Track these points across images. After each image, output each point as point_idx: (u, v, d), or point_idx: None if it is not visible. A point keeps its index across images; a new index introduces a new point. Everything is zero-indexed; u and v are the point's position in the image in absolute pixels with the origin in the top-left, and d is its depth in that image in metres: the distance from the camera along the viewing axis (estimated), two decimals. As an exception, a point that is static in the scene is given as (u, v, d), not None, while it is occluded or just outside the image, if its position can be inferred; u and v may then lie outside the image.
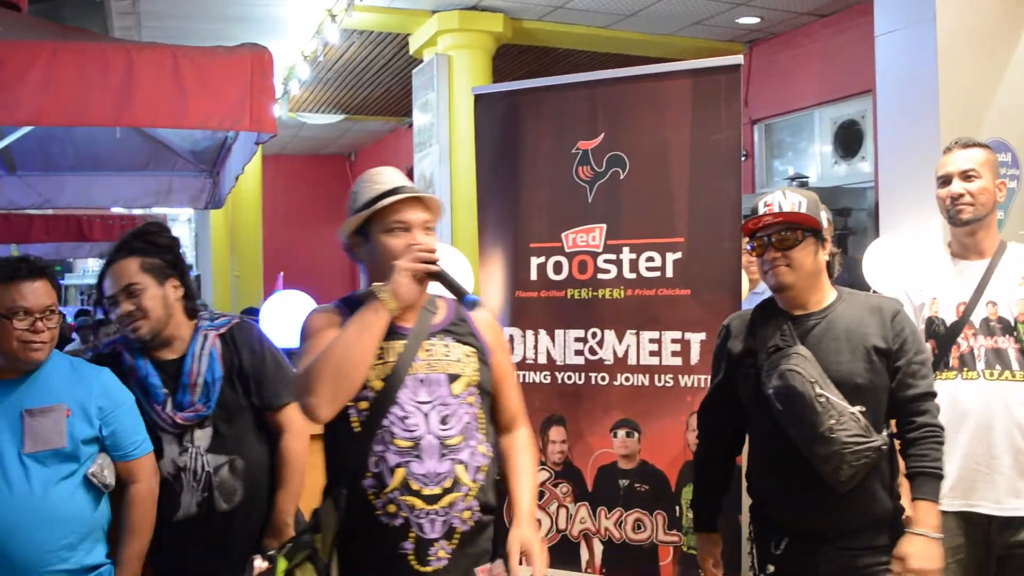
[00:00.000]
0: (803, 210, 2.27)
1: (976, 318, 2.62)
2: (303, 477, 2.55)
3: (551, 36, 8.31)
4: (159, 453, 2.41)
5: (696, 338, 3.04)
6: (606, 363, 3.16)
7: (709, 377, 2.59)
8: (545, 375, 3.23)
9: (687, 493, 3.03)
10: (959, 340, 2.62)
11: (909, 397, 2.28)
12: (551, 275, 3.25)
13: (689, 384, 3.06)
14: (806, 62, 8.05)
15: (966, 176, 2.64)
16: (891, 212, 4.51)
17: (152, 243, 2.51)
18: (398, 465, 2.03)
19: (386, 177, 2.16)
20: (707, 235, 3.05)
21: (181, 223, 15.95)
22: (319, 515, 2.07)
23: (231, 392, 2.49)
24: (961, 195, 2.63)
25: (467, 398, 2.12)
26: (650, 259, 3.11)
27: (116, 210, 8.10)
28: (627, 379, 3.14)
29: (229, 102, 4.03)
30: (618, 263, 3.16)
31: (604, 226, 3.18)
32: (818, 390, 2.19)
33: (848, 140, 7.82)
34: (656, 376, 3.10)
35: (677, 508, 3.07)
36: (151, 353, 2.47)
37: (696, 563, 2.73)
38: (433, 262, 2.07)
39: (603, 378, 3.17)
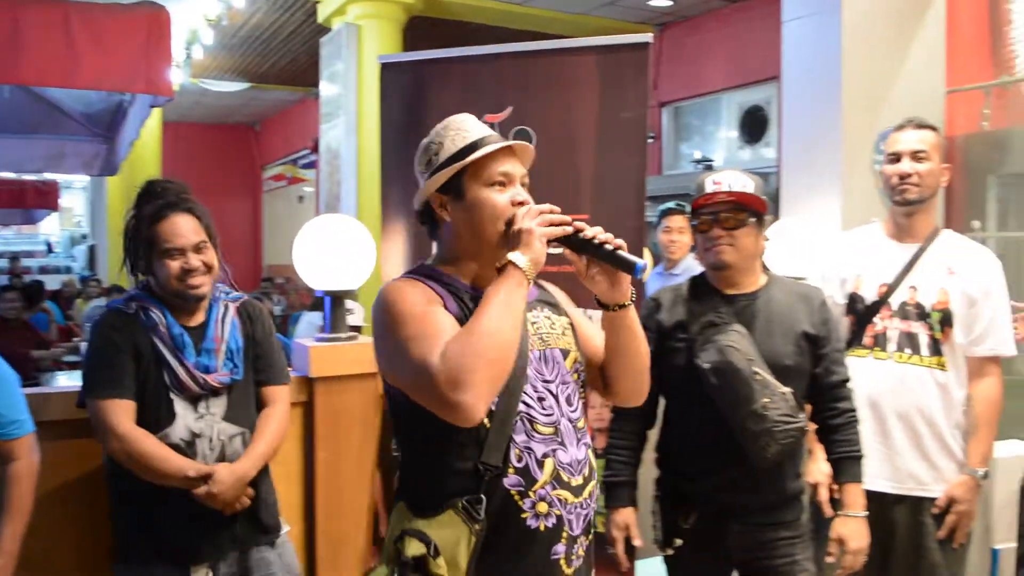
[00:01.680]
0: (751, 192, 2.28)
1: (895, 300, 2.67)
2: (271, 451, 2.45)
3: (464, 10, 8.23)
4: (170, 417, 2.28)
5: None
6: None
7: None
8: (446, 351, 3.17)
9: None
10: (875, 320, 2.67)
11: (833, 383, 2.35)
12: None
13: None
14: (715, 47, 8.15)
15: (917, 156, 2.66)
16: (792, 196, 4.58)
17: (198, 205, 2.41)
18: (546, 455, 1.75)
19: (471, 124, 1.85)
20: (612, 212, 3.03)
21: (75, 190, 15.38)
22: (426, 534, 1.70)
23: (247, 365, 2.43)
24: (910, 175, 2.65)
25: (574, 375, 1.88)
26: (557, 235, 3.08)
27: (3, 175, 7.75)
28: (530, 356, 3.09)
29: (123, 62, 3.88)
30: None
31: (512, 201, 3.13)
32: (754, 367, 2.22)
33: (754, 125, 7.95)
34: (559, 353, 3.07)
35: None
36: (176, 313, 2.37)
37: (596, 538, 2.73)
38: (567, 224, 1.76)
39: None
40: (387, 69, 3.36)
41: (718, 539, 2.33)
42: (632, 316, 1.88)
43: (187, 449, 2.29)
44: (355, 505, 3.11)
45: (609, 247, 1.76)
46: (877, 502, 2.61)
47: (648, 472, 2.51)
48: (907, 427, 2.64)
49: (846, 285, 2.75)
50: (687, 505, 2.36)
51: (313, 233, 3.11)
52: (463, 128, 1.83)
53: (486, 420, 1.70)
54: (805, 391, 2.35)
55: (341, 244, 3.08)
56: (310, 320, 5.64)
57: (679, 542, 2.36)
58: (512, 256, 1.68)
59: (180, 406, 2.30)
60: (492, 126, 3.16)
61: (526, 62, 3.22)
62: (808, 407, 2.39)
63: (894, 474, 2.65)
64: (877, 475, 2.62)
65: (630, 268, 1.76)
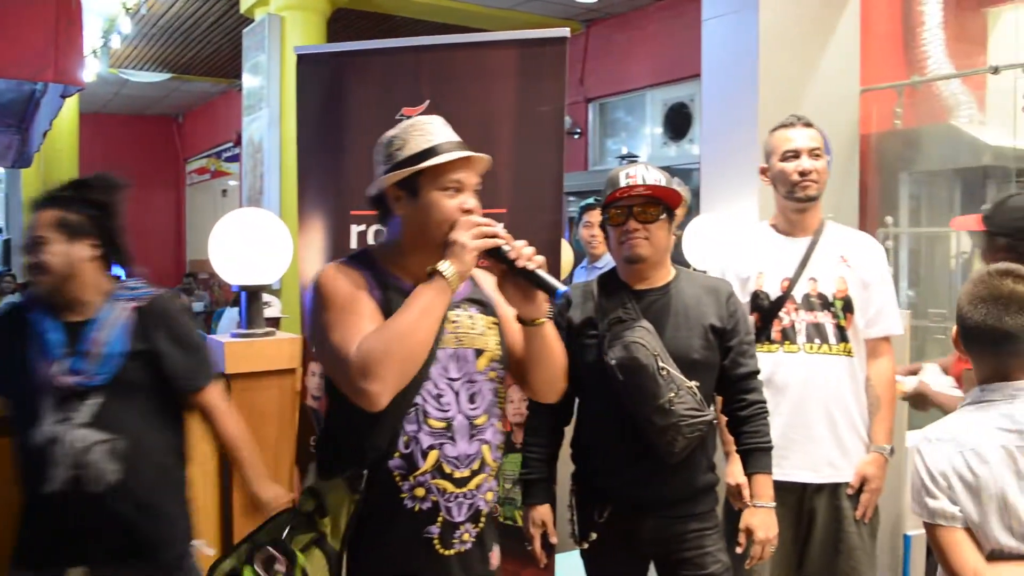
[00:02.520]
0: (665, 185, 2.31)
1: (798, 293, 2.70)
2: (253, 453, 2.44)
3: (389, 3, 8.17)
4: (35, 419, 2.21)
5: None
6: (427, 335, 3.10)
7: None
8: (364, 346, 3.14)
9: (504, 465, 3.02)
10: (781, 314, 2.71)
11: (740, 375, 2.37)
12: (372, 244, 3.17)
13: (509, 357, 3.04)
14: (641, 44, 8.22)
15: (813, 154, 2.71)
16: (711, 192, 4.65)
17: (82, 197, 2.33)
18: (431, 447, 1.89)
19: (437, 128, 1.96)
20: (529, 207, 3.03)
21: (-11, 182, 14.90)
22: (321, 496, 1.89)
23: (136, 369, 2.30)
24: (810, 171, 2.70)
25: (489, 373, 1.99)
26: (474, 230, 3.07)
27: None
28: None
29: (30, 50, 3.76)
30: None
31: (429, 196, 3.11)
32: (660, 363, 2.23)
33: (678, 122, 8.04)
34: (476, 348, 3.07)
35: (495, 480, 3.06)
36: (57, 312, 2.29)
37: (514, 533, 2.73)
38: (494, 237, 1.86)
39: None
40: (304, 61, 3.31)
41: (632, 532, 2.34)
42: (547, 331, 2.01)
43: (45, 453, 2.22)
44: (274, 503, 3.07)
45: (531, 267, 1.87)
46: (799, 493, 2.68)
47: (566, 467, 2.52)
48: (824, 416, 2.69)
49: (748, 284, 2.77)
50: (601, 499, 2.37)
51: (228, 227, 3.06)
52: (428, 131, 1.94)
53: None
54: (714, 384, 2.38)
55: (256, 238, 3.04)
56: (232, 316, 5.57)
57: (595, 536, 2.38)
58: (440, 266, 1.83)
59: (46, 407, 2.23)
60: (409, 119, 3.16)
61: (444, 55, 3.19)
62: (720, 400, 2.44)
63: (813, 464, 2.70)
64: (799, 466, 2.67)
65: (551, 292, 1.88)
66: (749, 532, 2.34)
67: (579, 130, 8.69)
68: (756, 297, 2.75)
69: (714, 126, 4.71)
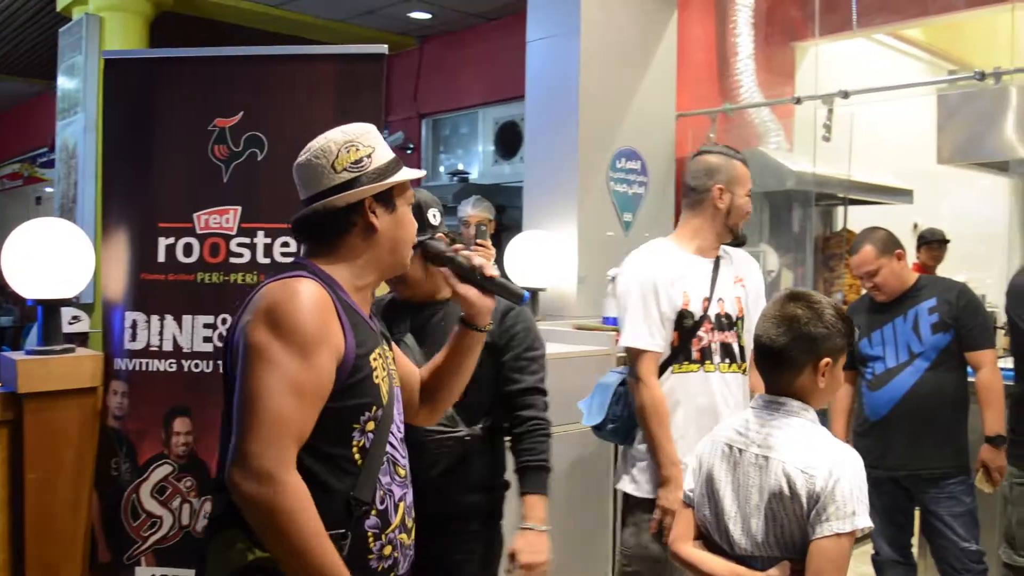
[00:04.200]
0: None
1: (712, 313, 2.77)
2: None
3: (217, 9, 7.92)
4: None
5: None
6: (238, 351, 3.02)
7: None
8: (171, 363, 3.01)
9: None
10: (700, 334, 2.76)
11: (514, 392, 2.38)
12: (180, 257, 3.06)
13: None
14: (473, 62, 8.29)
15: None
16: (534, 210, 4.74)
17: None
18: (400, 498, 1.74)
19: (379, 136, 1.81)
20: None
21: None
22: (278, 571, 1.56)
23: None
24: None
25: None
26: (285, 244, 3.02)
27: None
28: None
29: None
30: (252, 247, 3.03)
31: (239, 208, 3.04)
32: None
33: (508, 140, 8.15)
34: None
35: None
36: None
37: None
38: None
39: (172, 364, 3.01)
40: (112, 66, 3.18)
41: None
42: (482, 338, 1.94)
43: None
44: (69, 529, 2.92)
45: (495, 275, 1.85)
46: None
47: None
48: None
49: (674, 300, 2.75)
50: None
51: (23, 238, 2.90)
52: (380, 139, 1.80)
53: (358, 455, 1.66)
54: (488, 401, 2.37)
55: (54, 250, 2.89)
56: (38, 331, 5.25)
57: None
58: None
59: None
60: (223, 131, 3.08)
61: (261, 66, 3.14)
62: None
63: None
64: None
65: (516, 297, 1.88)
66: (513, 555, 2.28)
67: (412, 146, 8.68)
68: (682, 316, 2.75)
69: (537, 146, 4.82)
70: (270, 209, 3.05)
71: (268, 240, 3.03)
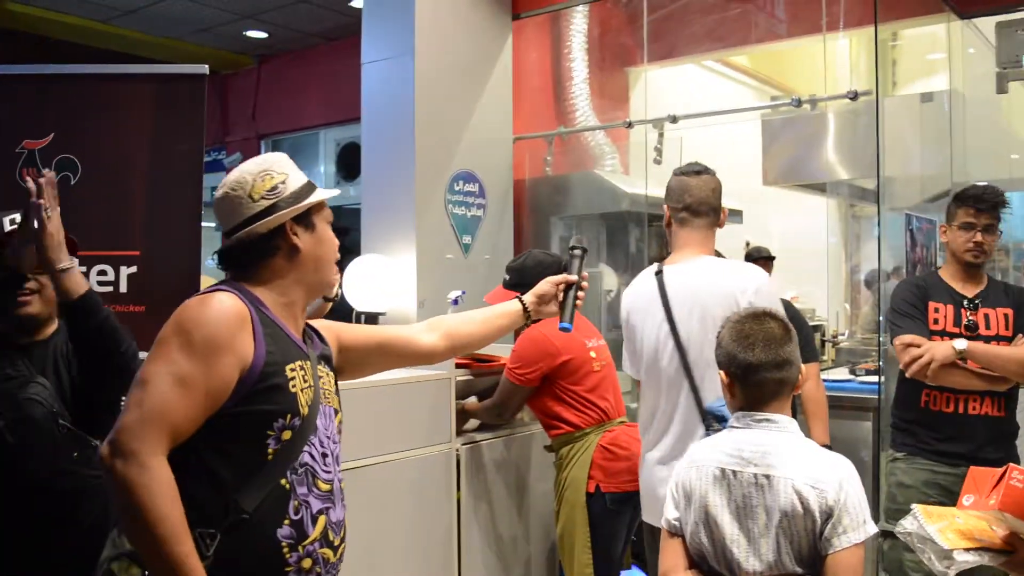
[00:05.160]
0: None
1: None
2: None
3: (40, 23, 7.52)
4: None
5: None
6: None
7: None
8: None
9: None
10: None
11: None
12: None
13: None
14: (313, 82, 8.17)
15: None
16: (373, 233, 4.69)
17: None
18: (320, 512, 1.78)
19: (289, 161, 1.92)
20: (165, 244, 2.92)
21: None
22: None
23: None
24: None
25: (338, 436, 1.93)
26: (102, 272, 2.90)
27: None
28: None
29: None
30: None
31: (51, 235, 2.89)
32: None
33: (350, 162, 8.06)
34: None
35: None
36: None
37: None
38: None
39: None
40: (-97, 83, 2.98)
41: None
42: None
43: None
44: None
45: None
46: None
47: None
48: None
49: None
50: None
51: None
52: (290, 164, 1.90)
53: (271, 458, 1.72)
54: None
55: None
56: None
57: None
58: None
59: None
60: (32, 152, 2.92)
61: (73, 86, 3.01)
62: None
63: None
64: None
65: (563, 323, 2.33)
66: None
67: (250, 167, 8.48)
68: None
69: (374, 169, 4.77)
70: (85, 236, 2.88)
71: (84, 268, 2.86)
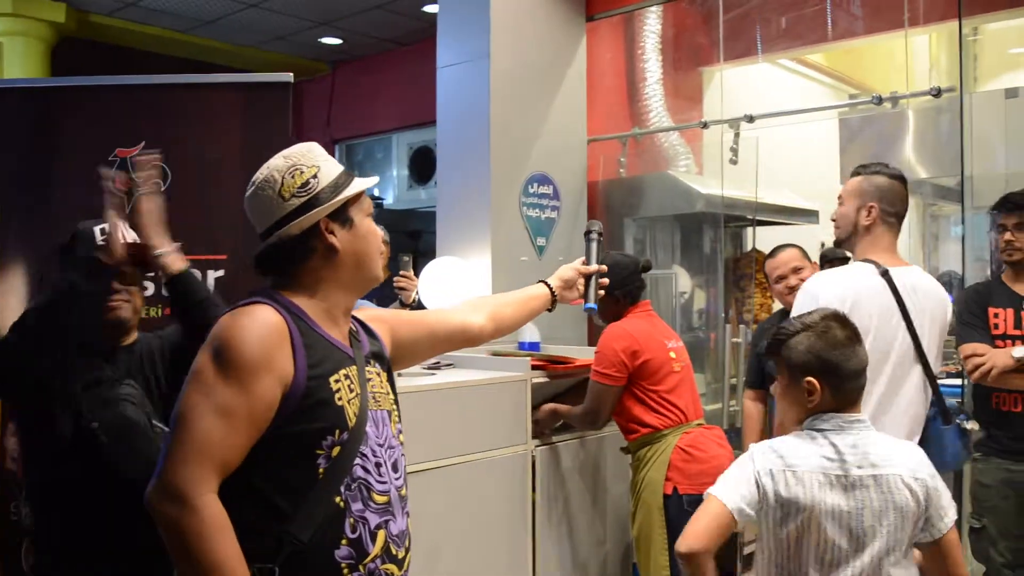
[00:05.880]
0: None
1: None
2: None
3: (122, 34, 7.76)
4: None
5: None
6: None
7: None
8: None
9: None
10: None
11: None
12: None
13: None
14: (387, 87, 8.28)
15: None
16: (448, 236, 4.74)
17: None
18: (379, 527, 1.67)
19: (323, 151, 1.81)
20: (251, 252, 2.96)
21: None
22: None
23: None
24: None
25: (400, 436, 1.82)
26: (191, 276, 2.97)
27: None
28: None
29: None
30: (157, 280, 2.97)
31: (142, 240, 2.98)
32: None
33: (422, 165, 8.15)
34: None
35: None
36: None
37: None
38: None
39: None
40: (4, 95, 3.10)
41: None
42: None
43: None
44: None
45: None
46: None
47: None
48: None
49: None
50: None
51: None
52: (327, 156, 1.79)
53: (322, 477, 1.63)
54: None
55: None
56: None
57: None
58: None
59: None
60: (125, 161, 3.01)
61: (163, 95, 3.10)
62: None
63: None
64: None
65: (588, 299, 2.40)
66: None
67: (327, 171, 8.62)
68: None
69: (449, 172, 4.82)
70: (175, 241, 2.98)
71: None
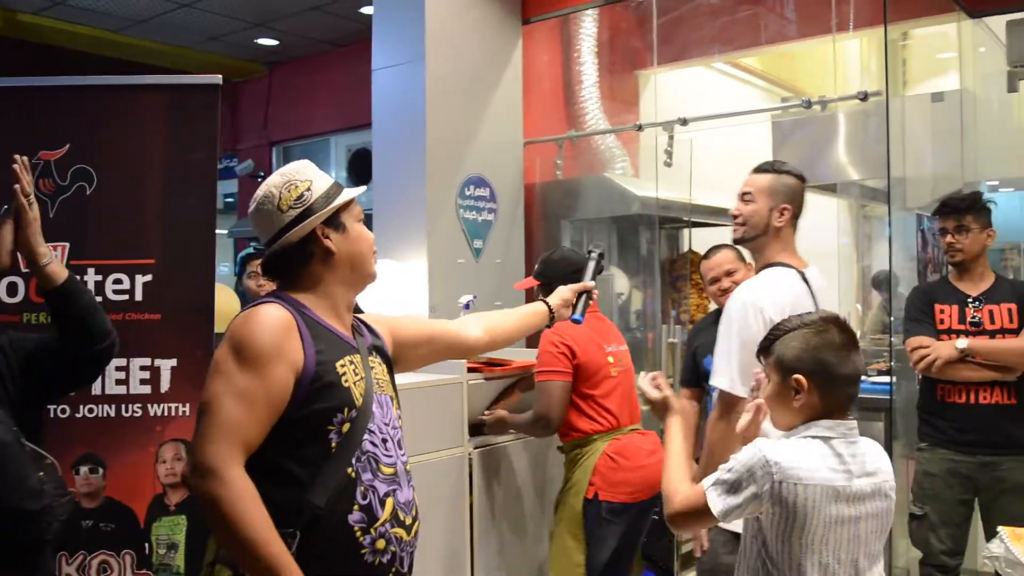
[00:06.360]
0: None
1: None
2: None
3: (52, 34, 7.61)
4: None
5: (167, 364, 2.93)
6: (67, 394, 2.88)
7: (179, 405, 2.78)
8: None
9: (157, 529, 2.89)
10: None
11: None
12: (5, 297, 2.90)
13: (159, 413, 2.92)
14: (324, 88, 8.23)
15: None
16: (384, 239, 4.70)
17: None
18: (387, 494, 1.90)
19: (313, 166, 2.05)
20: (180, 253, 2.95)
21: None
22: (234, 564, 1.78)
23: None
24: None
25: (399, 421, 2.06)
26: (118, 281, 2.92)
27: None
28: (91, 410, 2.90)
29: None
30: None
31: (67, 245, 2.91)
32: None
33: (361, 167, 8.09)
34: (123, 406, 2.91)
35: (147, 545, 2.91)
36: None
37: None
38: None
39: (63, 410, 2.89)
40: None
41: None
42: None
43: None
44: None
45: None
46: None
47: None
48: None
49: None
50: None
51: None
52: (319, 171, 2.03)
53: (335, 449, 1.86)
54: None
55: None
56: None
57: None
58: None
59: None
60: (48, 163, 2.95)
61: (88, 97, 3.02)
62: None
63: None
64: None
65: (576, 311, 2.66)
66: None
67: (262, 174, 8.52)
68: None
69: (385, 174, 4.80)
70: (100, 245, 2.94)
71: (99, 277, 2.92)
